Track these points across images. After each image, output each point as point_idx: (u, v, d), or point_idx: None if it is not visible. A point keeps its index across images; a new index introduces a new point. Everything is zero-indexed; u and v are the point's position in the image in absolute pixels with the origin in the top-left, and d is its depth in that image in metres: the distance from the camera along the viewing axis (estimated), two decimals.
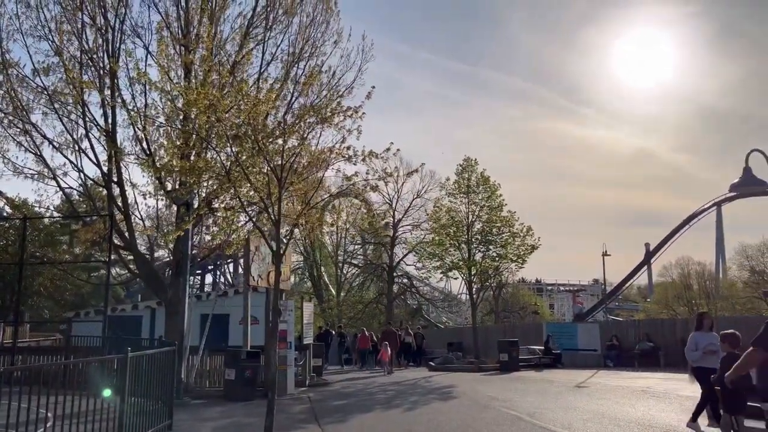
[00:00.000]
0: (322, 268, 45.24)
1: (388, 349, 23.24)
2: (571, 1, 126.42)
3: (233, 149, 9.21)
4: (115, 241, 18.03)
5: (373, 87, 9.89)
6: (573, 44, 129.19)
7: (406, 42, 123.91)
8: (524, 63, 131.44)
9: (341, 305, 41.34)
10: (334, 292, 43.36)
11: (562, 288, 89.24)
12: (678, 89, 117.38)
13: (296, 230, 13.71)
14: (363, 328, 30.24)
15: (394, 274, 44.55)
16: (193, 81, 14.98)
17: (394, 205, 43.34)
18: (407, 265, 44.67)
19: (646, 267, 63.25)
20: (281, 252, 9.23)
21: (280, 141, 9.40)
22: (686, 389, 12.79)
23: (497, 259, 30.29)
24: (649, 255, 62.33)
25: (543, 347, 25.42)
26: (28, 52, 16.91)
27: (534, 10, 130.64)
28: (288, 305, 17.20)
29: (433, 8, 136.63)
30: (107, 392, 7.90)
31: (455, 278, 37.13)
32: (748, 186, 12.73)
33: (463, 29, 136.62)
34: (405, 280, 46.79)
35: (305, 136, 9.41)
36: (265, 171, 9.34)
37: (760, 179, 12.48)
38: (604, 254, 38.55)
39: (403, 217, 43.46)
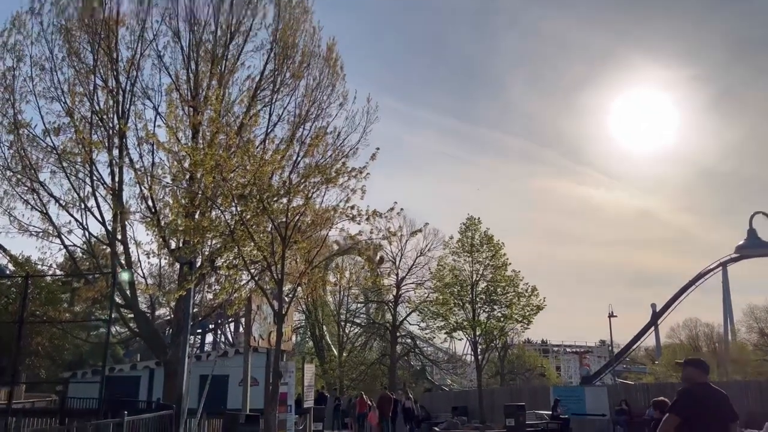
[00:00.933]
0: (324, 328, 44.66)
1: (377, 412, 22.91)
2: (570, 64, 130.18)
3: (238, 208, 9.28)
4: (117, 300, 17.88)
5: (378, 149, 10.05)
6: (572, 106, 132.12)
7: (408, 101, 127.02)
8: (524, 125, 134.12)
9: (343, 366, 40.54)
10: (336, 352, 42.62)
11: (568, 349, 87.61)
12: (678, 151, 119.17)
13: (299, 289, 13.63)
14: (361, 392, 29.55)
15: (398, 333, 43.92)
16: (201, 141, 15.25)
17: (397, 263, 43.15)
18: (411, 324, 44.07)
19: (653, 328, 62.25)
20: (283, 312, 9.13)
21: (284, 200, 9.48)
22: None
23: (502, 319, 29.94)
24: (656, 316, 61.42)
25: (550, 412, 24.69)
26: (40, 112, 17.26)
27: (533, 74, 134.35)
28: (289, 367, 16.87)
29: (434, 70, 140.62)
30: None
31: (460, 339, 36.55)
32: (754, 248, 12.68)
33: (464, 91, 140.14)
34: (408, 340, 46.05)
35: (310, 195, 9.50)
36: (269, 230, 9.38)
37: (765, 241, 12.45)
38: (611, 315, 38.07)
39: (406, 275, 43.21)
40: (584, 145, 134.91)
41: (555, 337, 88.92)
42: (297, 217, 9.27)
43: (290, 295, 10.18)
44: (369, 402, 27.59)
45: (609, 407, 24.71)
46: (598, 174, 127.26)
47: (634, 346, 63.48)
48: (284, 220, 9.10)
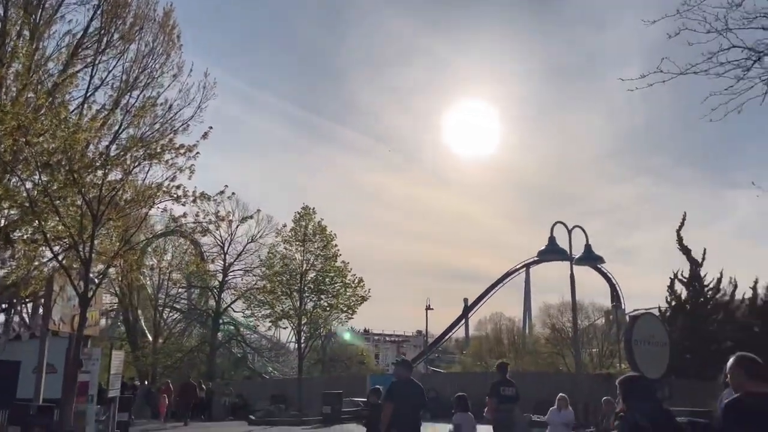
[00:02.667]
0: (140, 312, 41.73)
1: (167, 400, 22.61)
2: (409, 69, 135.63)
3: (43, 178, 8.27)
4: None
5: (210, 127, 9.59)
6: (410, 109, 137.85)
7: (250, 83, 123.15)
8: (364, 121, 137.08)
9: (158, 353, 38.21)
10: (151, 338, 40.05)
11: (387, 338, 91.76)
12: (499, 161, 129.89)
13: (111, 270, 12.57)
14: (167, 380, 28.35)
15: (220, 320, 42.56)
16: (4, 98, 13.36)
17: (226, 249, 41.77)
18: (235, 311, 42.95)
19: (464, 321, 67.43)
20: (90, 294, 8.33)
21: (100, 173, 8.63)
22: None
23: (328, 309, 30.38)
24: (467, 310, 66.61)
25: (366, 399, 25.61)
26: None
27: (376, 72, 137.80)
28: (94, 353, 15.48)
29: (280, 55, 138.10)
30: None
31: (284, 327, 36.47)
32: (552, 253, 14.31)
33: (308, 79, 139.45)
34: (231, 327, 44.84)
35: (130, 170, 8.76)
36: (79, 204, 8.48)
37: (561, 248, 14.13)
38: (428, 308, 40.50)
39: (235, 261, 41.99)
40: (419, 147, 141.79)
41: (377, 326, 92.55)
42: (113, 192, 8.48)
43: (100, 277, 9.31)
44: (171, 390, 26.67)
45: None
46: (428, 175, 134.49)
47: (446, 337, 68.29)
48: (97, 194, 8.27)
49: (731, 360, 4.28)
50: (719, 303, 27.46)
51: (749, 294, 27.12)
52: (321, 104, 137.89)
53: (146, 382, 34.06)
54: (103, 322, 36.74)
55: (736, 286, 27.66)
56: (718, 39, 7.23)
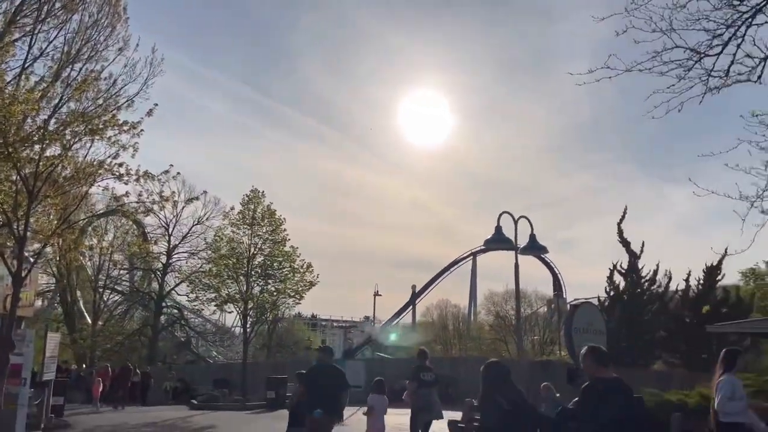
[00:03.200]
0: (79, 294, 40.32)
1: (101, 384, 22.13)
2: (365, 54, 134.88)
3: None
4: None
5: (156, 104, 9.29)
6: (364, 95, 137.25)
7: (198, 60, 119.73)
8: (317, 106, 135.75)
9: (97, 336, 37.06)
10: (90, 320, 38.78)
11: (335, 324, 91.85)
12: (449, 149, 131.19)
13: (49, 249, 12.09)
14: (106, 364, 27.66)
15: (163, 303, 41.62)
16: None
17: (170, 230, 40.76)
18: (179, 295, 42.02)
19: (411, 307, 68.20)
20: (23, 274, 7.99)
21: (37, 147, 8.25)
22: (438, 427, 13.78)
23: (275, 293, 30.11)
24: (415, 296, 67.37)
25: None
26: None
27: (330, 56, 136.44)
28: (27, 335, 14.87)
29: (231, 31, 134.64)
30: None
31: (230, 312, 35.96)
32: (497, 242, 14.58)
33: (260, 59, 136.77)
34: (175, 311, 43.92)
35: (69, 145, 8.40)
36: (14, 179, 8.09)
37: (507, 237, 14.42)
38: (376, 293, 40.75)
39: (180, 243, 41.05)
40: (371, 134, 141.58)
41: (324, 311, 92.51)
42: (51, 168, 8.12)
43: (36, 256, 8.93)
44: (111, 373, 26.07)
45: (365, 379, 26.49)
46: (380, 162, 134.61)
47: (393, 323, 68.95)
48: (34, 170, 7.90)
49: (584, 350, 5.01)
50: (654, 294, 28.72)
51: (683, 286, 28.49)
52: (273, 86, 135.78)
53: (84, 366, 33.03)
54: (39, 303, 35.35)
55: (670, 278, 29.02)
56: (663, 39, 7.48)
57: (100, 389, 22.30)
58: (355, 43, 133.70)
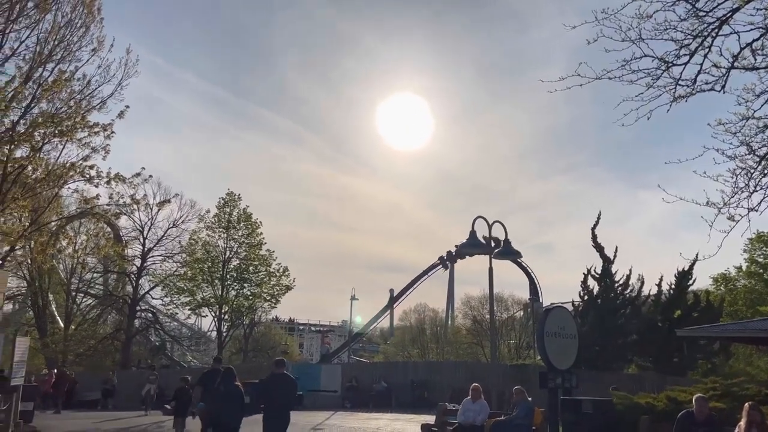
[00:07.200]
0: (51, 297, 39.54)
1: (41, 390, 22.16)
2: (341, 56, 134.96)
3: None
4: None
5: (127, 106, 9.21)
6: (341, 98, 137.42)
7: (171, 60, 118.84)
8: (293, 108, 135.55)
9: (69, 340, 36.38)
10: (62, 324, 38.05)
11: (313, 328, 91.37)
12: (427, 153, 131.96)
13: (19, 251, 11.87)
14: (52, 370, 27.28)
15: (138, 307, 41.01)
16: None
17: (145, 233, 40.19)
18: (154, 298, 41.45)
19: (389, 311, 68.17)
20: None
21: (5, 148, 8.10)
22: (412, 430, 13.84)
23: (251, 297, 29.93)
24: (393, 300, 67.39)
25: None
26: None
27: (306, 58, 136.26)
28: None
29: (204, 30, 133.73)
30: None
31: (205, 316, 35.64)
32: (472, 247, 14.68)
33: (234, 60, 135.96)
34: (149, 315, 43.28)
35: (39, 147, 8.26)
36: None
37: (482, 242, 14.53)
38: (353, 297, 40.67)
39: (155, 246, 40.49)
40: (349, 137, 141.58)
41: (302, 315, 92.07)
42: (19, 170, 7.99)
43: (3, 258, 8.77)
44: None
45: (341, 383, 26.41)
46: (358, 165, 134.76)
47: (371, 327, 68.88)
48: (2, 171, 7.76)
49: None
50: (627, 298, 29.13)
51: (655, 290, 28.96)
52: (248, 88, 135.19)
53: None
54: (8, 307, 34.60)
55: (643, 283, 29.48)
56: (632, 48, 7.65)
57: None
58: (331, 45, 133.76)
